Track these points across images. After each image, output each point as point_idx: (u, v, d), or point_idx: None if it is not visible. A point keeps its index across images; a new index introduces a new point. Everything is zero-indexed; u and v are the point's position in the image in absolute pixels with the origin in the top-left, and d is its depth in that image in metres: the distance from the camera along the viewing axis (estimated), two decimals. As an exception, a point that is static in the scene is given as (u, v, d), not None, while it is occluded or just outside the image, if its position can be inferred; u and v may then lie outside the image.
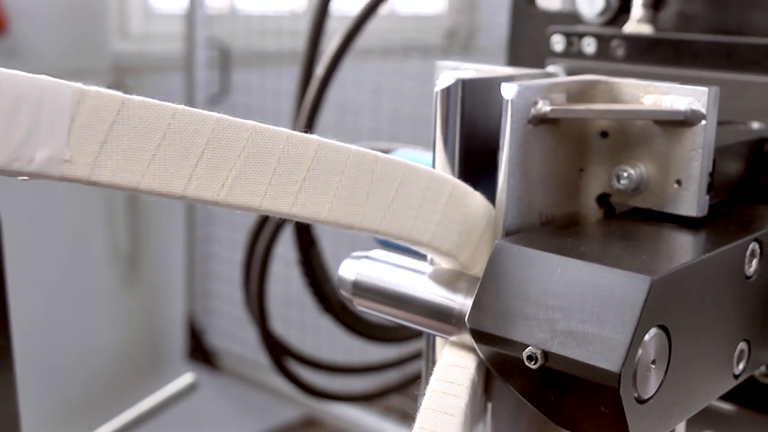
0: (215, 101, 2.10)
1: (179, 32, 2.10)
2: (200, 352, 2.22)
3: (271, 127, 0.33)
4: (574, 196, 0.43)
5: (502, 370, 0.37)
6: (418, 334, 0.83)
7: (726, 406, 0.76)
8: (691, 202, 0.39)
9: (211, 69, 2.11)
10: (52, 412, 1.98)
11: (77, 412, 2.02)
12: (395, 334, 0.86)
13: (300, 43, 0.79)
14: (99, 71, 1.97)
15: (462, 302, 0.39)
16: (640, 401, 0.34)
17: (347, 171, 0.35)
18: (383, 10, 2.54)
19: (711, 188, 0.40)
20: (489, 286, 0.37)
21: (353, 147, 0.35)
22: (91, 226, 1.98)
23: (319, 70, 0.72)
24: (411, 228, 0.37)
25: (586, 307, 0.34)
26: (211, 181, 0.31)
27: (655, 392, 0.34)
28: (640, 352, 0.33)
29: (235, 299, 2.21)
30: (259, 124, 0.33)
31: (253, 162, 0.32)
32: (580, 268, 0.35)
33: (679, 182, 0.40)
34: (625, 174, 0.41)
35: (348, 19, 0.78)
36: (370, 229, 0.36)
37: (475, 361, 0.39)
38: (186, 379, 0.64)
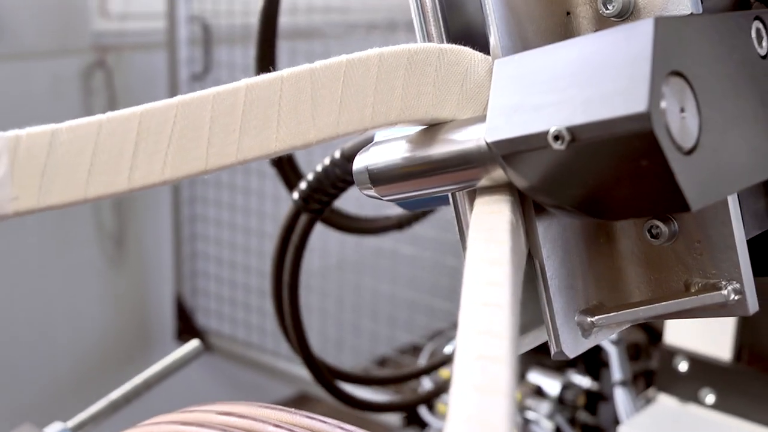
0: (198, 79, 2.08)
1: (160, 10, 2.07)
2: (189, 332, 2.22)
3: (198, 93, 0.35)
4: (564, 33, 0.42)
5: (536, 185, 0.35)
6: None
7: (725, 361, 0.78)
8: (684, 2, 0.38)
9: (193, 46, 2.09)
10: (40, 393, 1.97)
11: (66, 394, 2.01)
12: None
13: (283, 18, 0.78)
14: (79, 51, 1.94)
15: (477, 138, 0.38)
16: (685, 151, 0.32)
17: (284, 98, 0.35)
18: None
19: None
20: (498, 100, 0.36)
21: (285, 71, 0.36)
22: (76, 207, 1.97)
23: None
24: (373, 114, 0.37)
25: (597, 73, 0.32)
26: (151, 167, 0.34)
27: (697, 141, 0.33)
28: (664, 101, 0.31)
29: (224, 279, 2.21)
30: (185, 96, 0.35)
31: (186, 132, 0.34)
32: (582, 43, 0.34)
33: None
34: None
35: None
36: (328, 135, 0.36)
37: (508, 203, 0.37)
38: (192, 343, 0.64)
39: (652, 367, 1.10)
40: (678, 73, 0.32)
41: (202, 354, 0.67)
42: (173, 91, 2.08)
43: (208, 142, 0.35)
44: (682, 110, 0.32)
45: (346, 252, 2.26)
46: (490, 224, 0.35)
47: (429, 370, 0.95)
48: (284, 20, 0.67)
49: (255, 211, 2.13)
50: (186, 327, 2.23)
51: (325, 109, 0.36)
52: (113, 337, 2.11)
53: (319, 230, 0.77)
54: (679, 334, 0.83)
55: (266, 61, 0.68)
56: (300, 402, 2.36)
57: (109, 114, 0.34)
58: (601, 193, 0.34)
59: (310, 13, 2.10)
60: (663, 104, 0.31)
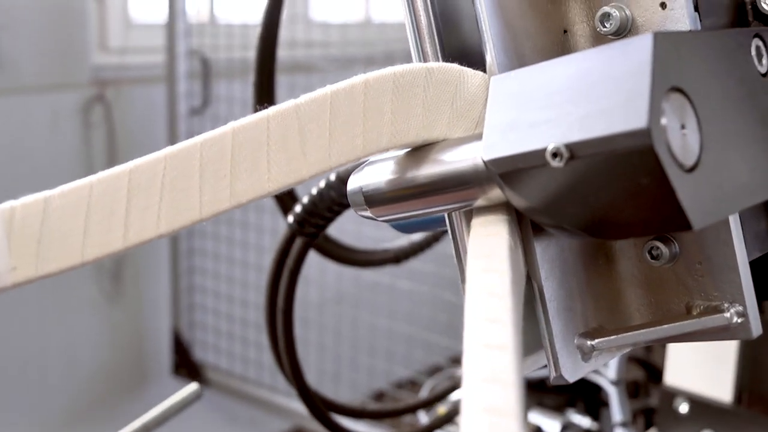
0: (197, 113, 2.08)
1: (160, 44, 2.08)
2: (186, 366, 2.20)
3: (185, 142, 0.35)
4: (561, 51, 0.41)
5: (534, 204, 0.35)
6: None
7: (726, 403, 0.77)
8: (682, 21, 0.38)
9: (192, 80, 2.09)
10: (36, 427, 1.95)
11: (62, 427, 1.99)
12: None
13: (282, 52, 0.78)
14: (79, 85, 1.95)
15: (473, 156, 0.37)
16: (686, 169, 0.31)
17: (272, 137, 0.35)
18: (366, 18, 2.53)
19: (697, 7, 0.38)
20: (495, 117, 0.35)
21: (271, 110, 0.36)
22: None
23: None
24: (364, 143, 0.36)
25: (595, 89, 0.32)
26: (144, 223, 0.34)
27: (698, 159, 0.32)
28: (664, 117, 0.30)
29: (221, 313, 2.20)
30: (172, 147, 0.35)
31: (177, 184, 0.34)
32: (579, 59, 0.33)
33: (663, 5, 0.38)
34: (609, 16, 0.39)
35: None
36: (321, 170, 0.36)
37: (506, 223, 0.37)
38: (191, 387, 0.63)
39: (652, 405, 1.09)
40: (678, 89, 0.32)
41: (202, 397, 0.66)
42: (172, 126, 2.08)
43: (200, 191, 0.35)
44: (683, 127, 0.32)
45: (343, 286, 2.25)
46: (489, 249, 0.34)
47: (425, 404, 0.94)
48: (282, 54, 0.67)
49: (253, 245, 2.13)
50: (183, 361, 2.21)
51: (315, 143, 0.36)
52: (109, 372, 2.10)
53: (317, 263, 0.77)
54: (680, 375, 0.82)
55: (264, 90, 0.67)
56: (296, 437, 2.35)
57: (100, 174, 0.35)
58: (601, 211, 0.34)
59: (309, 47, 2.11)
60: (663, 120, 0.30)
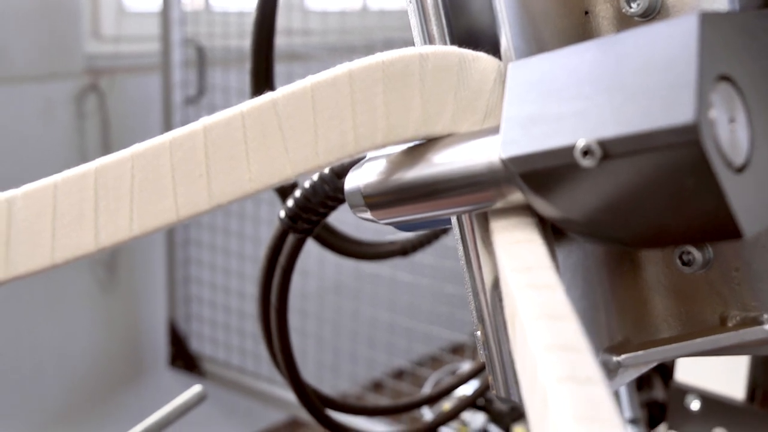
0: (193, 102, 2.06)
1: (154, 32, 2.05)
2: (183, 358, 2.18)
3: (153, 140, 0.33)
4: (582, 33, 0.38)
5: (560, 209, 0.31)
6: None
7: (738, 401, 0.76)
8: (720, 0, 0.34)
9: (188, 69, 2.07)
10: (31, 420, 1.93)
11: (57, 421, 1.97)
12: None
13: (279, 40, 0.75)
14: (72, 74, 1.92)
15: (488, 154, 0.32)
16: (735, 168, 0.28)
17: (249, 134, 0.33)
18: (366, 6, 2.50)
19: None
20: (514, 110, 0.31)
21: (245, 106, 0.33)
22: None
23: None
24: (356, 139, 0.33)
25: (632, 77, 0.28)
26: (116, 224, 0.33)
27: (748, 157, 0.28)
28: (713, 110, 0.27)
29: (218, 304, 2.18)
30: (139, 146, 0.33)
31: (147, 183, 0.33)
32: (611, 42, 0.29)
33: None
34: None
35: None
36: (308, 168, 0.33)
37: (535, 227, 0.32)
38: (195, 389, 0.62)
39: (656, 398, 1.07)
40: (726, 78, 0.28)
41: (194, 380, 0.64)
42: (167, 115, 2.06)
43: (174, 192, 0.33)
44: (732, 121, 0.28)
45: (343, 277, 2.23)
46: (528, 260, 0.30)
47: (426, 401, 0.91)
48: (279, 42, 0.64)
49: (250, 236, 2.10)
50: (179, 353, 2.19)
51: (298, 140, 0.33)
52: (105, 364, 2.08)
53: (317, 253, 0.74)
54: (691, 372, 0.80)
55: (262, 78, 0.64)
56: (291, 427, 2.33)
57: (64, 174, 0.34)
58: (638, 219, 0.30)
59: (306, 35, 2.08)
60: (712, 113, 0.27)
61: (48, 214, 0.33)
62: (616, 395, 0.95)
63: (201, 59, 2.06)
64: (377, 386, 2.35)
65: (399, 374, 2.27)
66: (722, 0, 0.34)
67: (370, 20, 2.40)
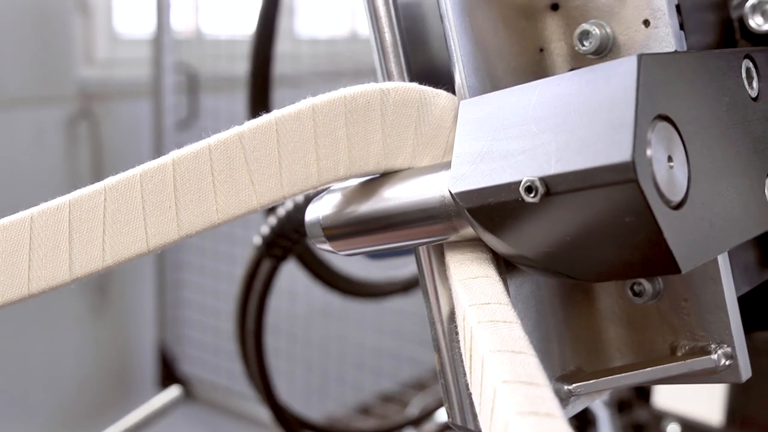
0: (184, 127, 2.07)
1: (146, 57, 2.07)
2: (172, 380, 2.19)
3: (125, 173, 0.34)
4: (537, 71, 0.38)
5: (506, 242, 0.32)
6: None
7: (716, 426, 0.77)
8: (667, 40, 0.35)
9: (179, 94, 2.08)
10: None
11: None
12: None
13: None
14: (65, 98, 1.93)
15: (440, 188, 0.34)
16: (673, 206, 0.29)
17: (216, 167, 0.34)
18: (355, 32, 2.52)
19: (682, 25, 0.36)
20: (464, 146, 0.32)
21: (212, 139, 0.34)
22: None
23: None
24: (319, 171, 0.34)
25: (574, 117, 0.29)
26: (90, 255, 0.34)
27: (686, 194, 0.29)
28: (650, 149, 0.28)
29: (207, 326, 2.18)
30: (111, 179, 0.34)
31: (119, 215, 0.34)
32: (557, 82, 0.30)
33: (646, 22, 0.35)
34: (588, 34, 0.36)
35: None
36: (273, 199, 0.35)
37: (489, 261, 0.34)
38: (173, 391, 0.63)
39: (638, 421, 1.08)
40: (665, 118, 0.29)
41: (183, 402, 0.66)
42: (158, 140, 2.07)
43: (145, 222, 0.34)
44: (670, 159, 0.29)
45: (331, 301, 2.23)
46: (486, 295, 0.31)
47: (408, 423, 0.93)
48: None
49: (240, 258, 2.11)
50: (168, 375, 2.19)
51: (264, 172, 0.34)
52: (94, 386, 2.08)
53: (305, 276, 0.76)
54: (670, 397, 0.81)
55: (259, 101, 0.66)
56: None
57: (40, 207, 0.34)
58: (580, 252, 0.31)
59: (296, 61, 2.10)
60: (649, 152, 0.28)
61: (24, 246, 0.34)
62: (597, 418, 0.96)
63: (192, 84, 2.08)
64: (364, 410, 2.35)
65: (387, 398, 2.28)
66: (670, 40, 0.35)
67: (358, 47, 2.43)
